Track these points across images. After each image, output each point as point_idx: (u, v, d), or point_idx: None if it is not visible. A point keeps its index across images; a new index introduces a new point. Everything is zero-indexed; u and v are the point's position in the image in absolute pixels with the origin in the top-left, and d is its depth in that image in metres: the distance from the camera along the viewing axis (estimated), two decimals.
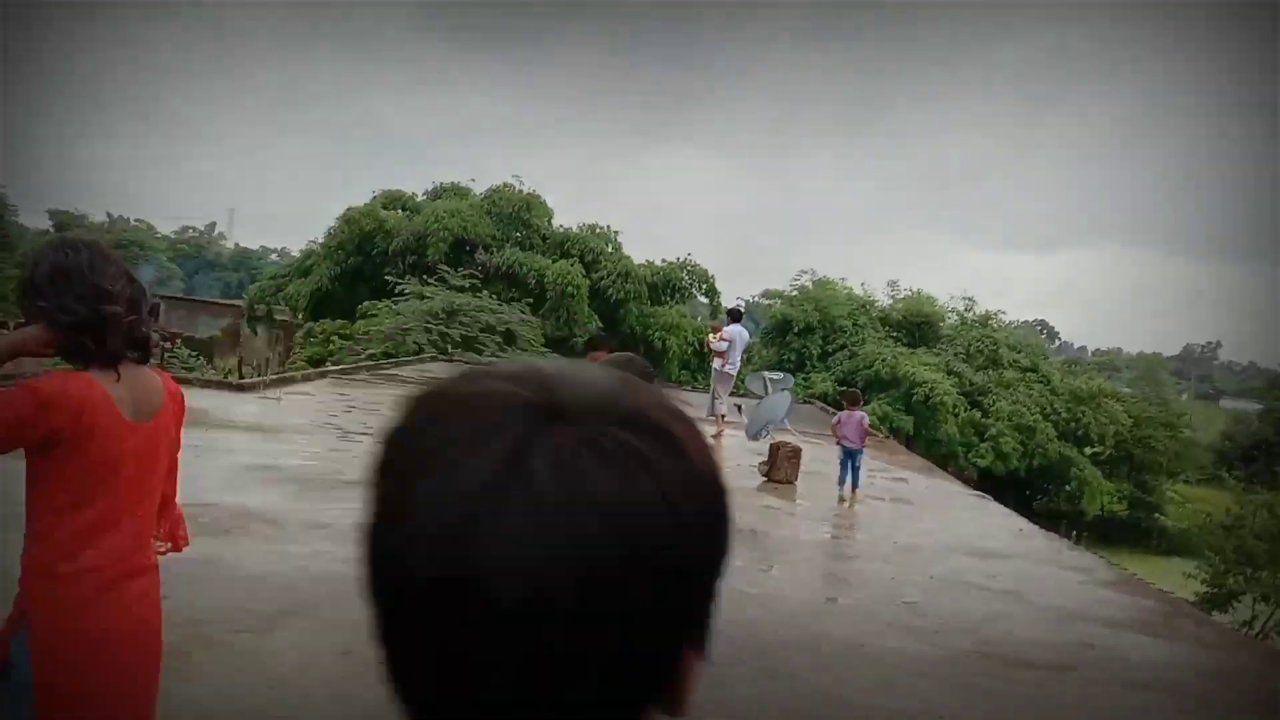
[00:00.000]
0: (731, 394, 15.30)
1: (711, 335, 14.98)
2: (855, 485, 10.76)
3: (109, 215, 69.75)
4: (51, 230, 68.74)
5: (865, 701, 4.89)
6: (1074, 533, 26.56)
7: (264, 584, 5.59)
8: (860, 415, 10.84)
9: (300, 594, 5.43)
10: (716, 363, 14.54)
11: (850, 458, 10.66)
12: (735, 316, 15.33)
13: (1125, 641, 6.72)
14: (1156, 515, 36.38)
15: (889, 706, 4.84)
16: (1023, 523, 12.06)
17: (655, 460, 0.56)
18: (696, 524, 0.58)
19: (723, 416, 14.64)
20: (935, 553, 8.88)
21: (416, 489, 0.56)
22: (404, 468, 0.58)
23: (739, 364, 14.60)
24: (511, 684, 0.54)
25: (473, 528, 0.53)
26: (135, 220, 68.56)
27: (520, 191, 31.01)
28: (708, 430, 14.39)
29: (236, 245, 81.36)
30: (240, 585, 5.51)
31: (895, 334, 33.33)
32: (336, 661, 4.56)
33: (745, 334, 14.90)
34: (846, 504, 10.63)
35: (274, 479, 8.43)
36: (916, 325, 34.44)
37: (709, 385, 15.39)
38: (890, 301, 35.94)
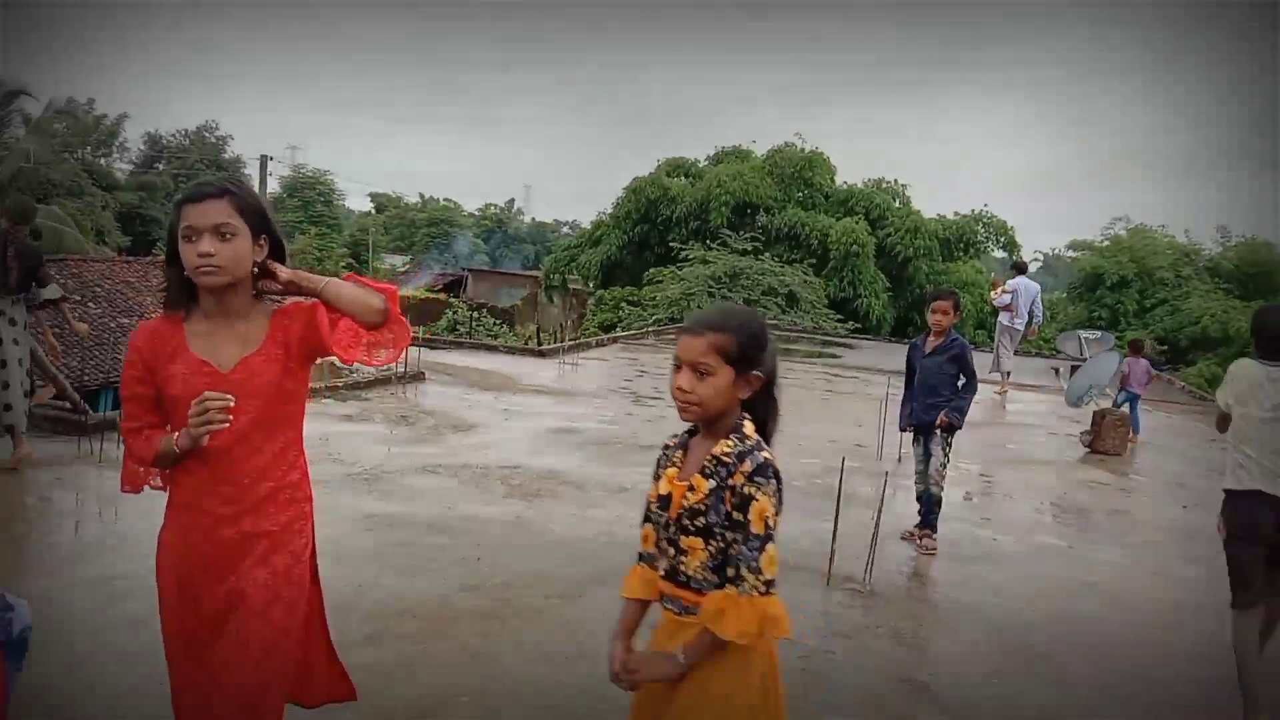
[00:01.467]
0: (1056, 357, 14.56)
1: (993, 290, 14.67)
2: (1136, 431, 10.94)
3: (421, 196, 75.84)
4: (373, 211, 76.02)
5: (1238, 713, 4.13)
6: None
7: (572, 549, 5.61)
8: (1145, 363, 11.29)
9: (605, 561, 5.40)
10: (1003, 317, 14.05)
11: (1132, 404, 10.99)
12: (1020, 269, 15.00)
13: None
14: None
15: None
16: None
17: None
18: None
19: (1008, 374, 14.12)
20: None
21: None
22: None
23: (1027, 318, 13.89)
24: None
25: None
26: (445, 200, 74.14)
27: (801, 150, 30.31)
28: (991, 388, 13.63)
29: (533, 220, 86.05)
30: (550, 550, 5.57)
31: (1226, 285, 29.52)
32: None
33: (1033, 286, 14.15)
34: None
35: (575, 442, 8.59)
36: (1252, 276, 30.31)
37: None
38: (1220, 250, 31.91)
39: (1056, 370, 15.48)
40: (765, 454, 2.06)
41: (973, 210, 30.51)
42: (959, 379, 6.04)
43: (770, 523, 2.01)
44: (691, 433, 2.22)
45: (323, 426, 8.32)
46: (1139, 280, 29.37)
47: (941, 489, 6.10)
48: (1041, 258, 51.80)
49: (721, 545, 2.06)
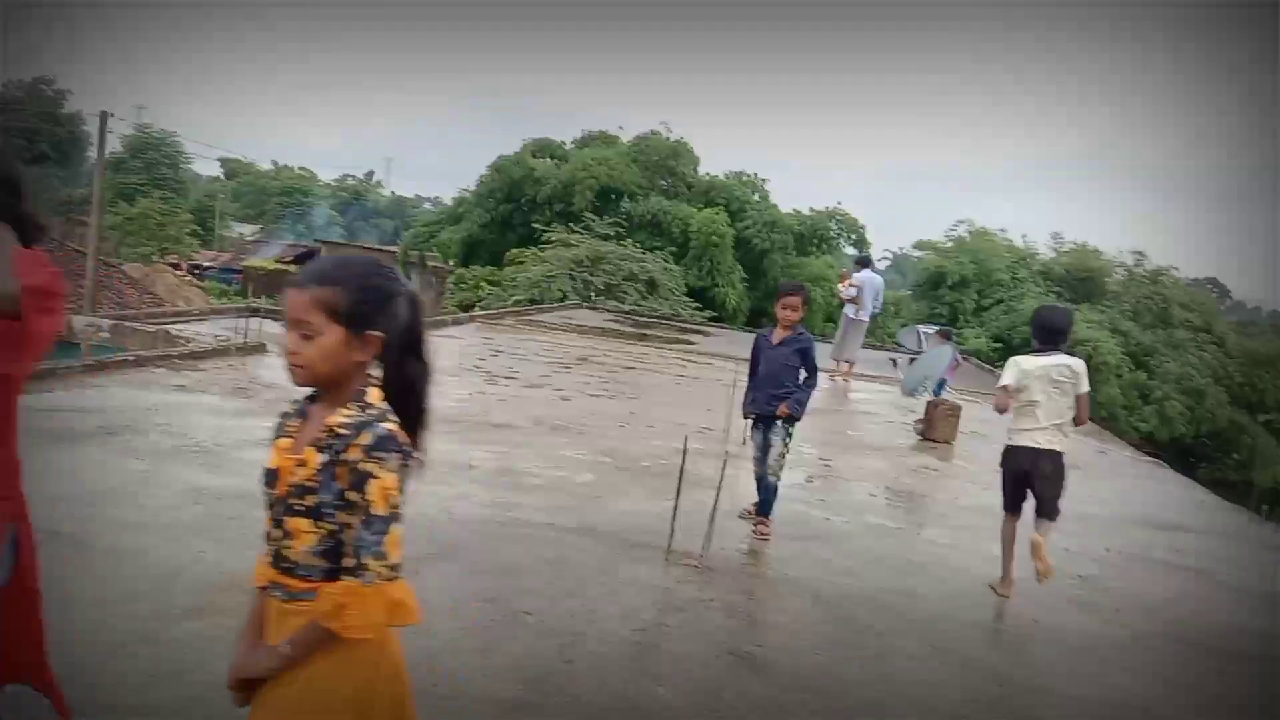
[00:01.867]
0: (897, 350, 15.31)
1: (841, 283, 15.12)
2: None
3: (274, 163, 72.90)
4: (222, 177, 72.58)
5: (1045, 685, 4.45)
6: (1246, 505, 24.72)
7: (410, 526, 5.50)
8: (951, 348, 12.35)
9: (446, 537, 5.34)
10: (849, 309, 14.55)
11: (939, 387, 11.98)
12: (865, 263, 15.53)
13: None
14: None
15: (1074, 693, 4.38)
16: (1204, 494, 11.11)
17: None
18: None
19: (851, 364, 14.65)
20: (1111, 523, 8.20)
21: None
22: None
23: (871, 311, 14.59)
24: None
25: None
26: (300, 168, 71.46)
27: (667, 139, 30.63)
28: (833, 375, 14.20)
29: (393, 194, 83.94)
30: None
31: (1057, 289, 31.52)
32: (483, 609, 4.44)
33: (877, 280, 14.94)
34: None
35: None
36: (1081, 280, 32.50)
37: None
38: (1053, 254, 34.00)
39: (894, 361, 16.17)
40: (389, 425, 1.81)
41: (826, 207, 31.58)
42: (801, 372, 6.15)
43: (394, 502, 1.79)
44: (313, 399, 1.94)
45: (152, 397, 7.92)
46: (978, 281, 31.01)
47: (779, 478, 6.19)
48: (891, 256, 54.07)
49: (333, 528, 1.80)
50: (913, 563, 6.22)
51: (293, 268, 33.35)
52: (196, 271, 42.71)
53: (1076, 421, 5.51)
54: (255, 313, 11.84)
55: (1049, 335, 5.52)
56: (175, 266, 39.28)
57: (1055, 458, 5.49)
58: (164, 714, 3.20)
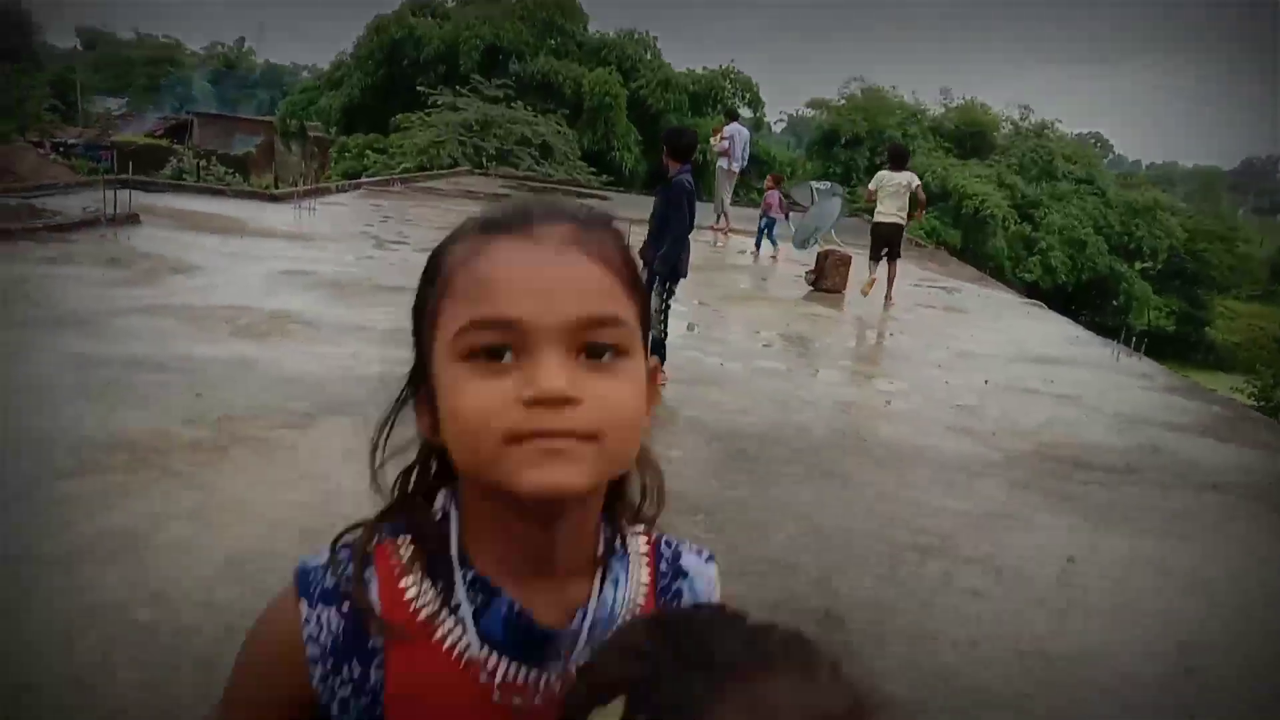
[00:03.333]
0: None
1: (713, 137, 15.62)
2: (774, 244, 13.70)
3: (136, 32, 67.94)
4: (79, 48, 67.39)
5: (924, 500, 4.72)
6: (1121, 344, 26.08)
7: (302, 384, 5.45)
8: (777, 192, 14.01)
9: (340, 394, 5.29)
10: (722, 162, 15.20)
11: (769, 228, 13.72)
12: (733, 115, 16.69)
13: (1192, 446, 6.47)
14: (1205, 330, 35.75)
15: (952, 507, 4.66)
16: (1079, 330, 11.70)
17: None
18: None
19: (727, 215, 15.40)
20: (990, 359, 8.60)
21: None
22: None
23: (739, 164, 15.34)
24: None
25: None
26: (164, 36, 66.80)
27: None
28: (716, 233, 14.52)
29: (267, 62, 79.30)
30: (278, 385, 5.38)
31: (947, 145, 31.94)
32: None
33: (745, 132, 15.81)
34: (757, 260, 13.51)
35: (310, 284, 8.24)
36: (969, 135, 32.93)
37: (714, 189, 15.66)
38: (943, 111, 34.33)
39: (786, 216, 16.36)
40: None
41: (720, 66, 31.04)
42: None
43: None
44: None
45: (19, 269, 7.51)
46: (870, 139, 31.19)
47: (660, 331, 6.06)
48: (786, 118, 53.85)
49: None
50: (803, 400, 6.43)
51: (164, 142, 31.55)
52: (61, 150, 40.01)
53: (915, 208, 10.55)
54: (124, 184, 11.18)
55: (897, 160, 10.78)
56: (37, 145, 36.67)
57: (898, 228, 10.51)
58: (47, 563, 3.15)
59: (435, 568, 0.78)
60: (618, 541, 0.84)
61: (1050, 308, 14.04)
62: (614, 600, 0.80)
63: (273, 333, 6.51)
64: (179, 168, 27.19)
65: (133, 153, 28.54)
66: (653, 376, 0.79)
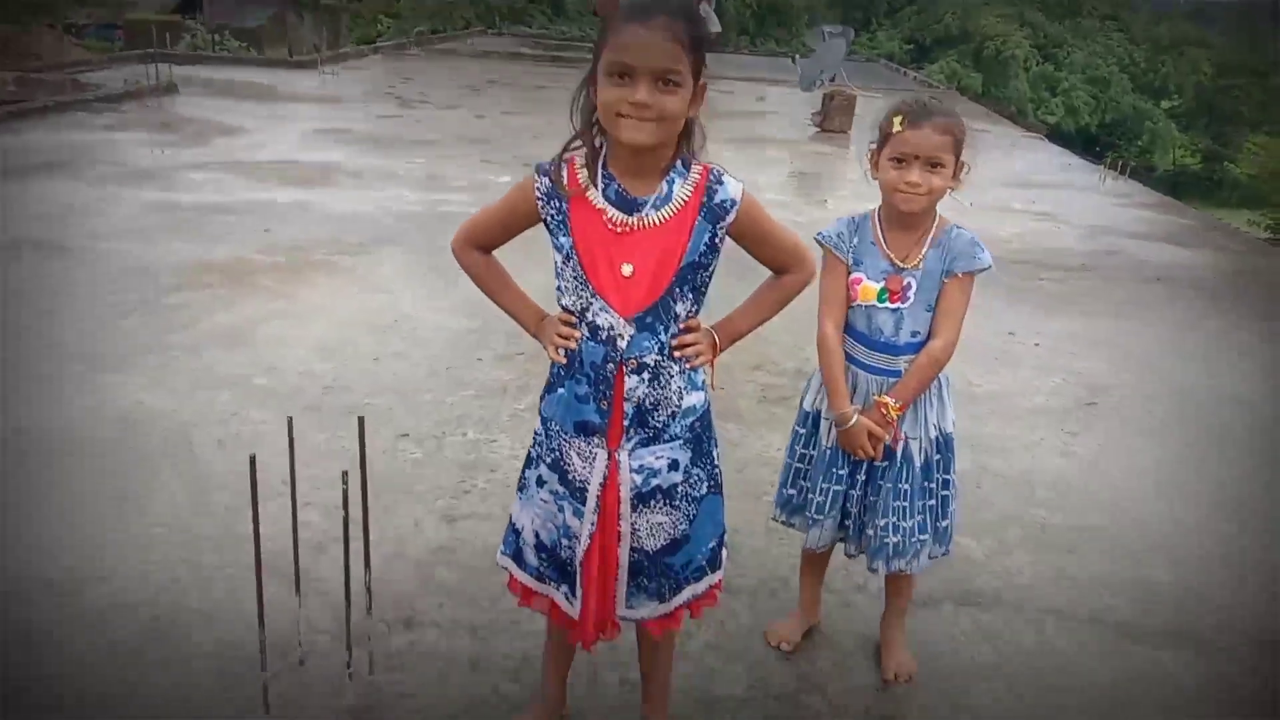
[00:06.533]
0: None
1: None
2: None
3: None
4: None
5: None
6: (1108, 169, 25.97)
7: (354, 221, 6.22)
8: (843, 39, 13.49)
9: (389, 226, 6.07)
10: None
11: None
12: None
13: (1150, 249, 7.13)
14: (1231, 166, 35.39)
15: None
16: (1071, 159, 12.16)
17: None
18: None
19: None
20: (980, 185, 9.15)
21: None
22: None
23: None
24: None
25: None
26: None
27: None
28: None
29: None
30: (333, 222, 6.15)
31: None
32: (427, 276, 5.23)
33: None
34: None
35: (347, 140, 8.92)
36: None
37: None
38: None
39: (793, 58, 16.56)
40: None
41: None
42: None
43: None
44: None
45: (81, 136, 8.23)
46: None
47: None
48: None
49: None
50: (799, 224, 7.12)
51: (177, 17, 31.51)
52: (73, 31, 39.94)
53: None
54: (153, 59, 11.70)
55: None
56: (50, 27, 36.69)
57: None
58: (178, 349, 4.01)
59: (592, 168, 1.63)
60: (679, 164, 1.63)
61: (1071, 150, 14.30)
62: (670, 190, 1.61)
63: (320, 181, 7.25)
64: (194, 44, 27.37)
65: (145, 30, 28.62)
66: (701, 92, 1.58)
